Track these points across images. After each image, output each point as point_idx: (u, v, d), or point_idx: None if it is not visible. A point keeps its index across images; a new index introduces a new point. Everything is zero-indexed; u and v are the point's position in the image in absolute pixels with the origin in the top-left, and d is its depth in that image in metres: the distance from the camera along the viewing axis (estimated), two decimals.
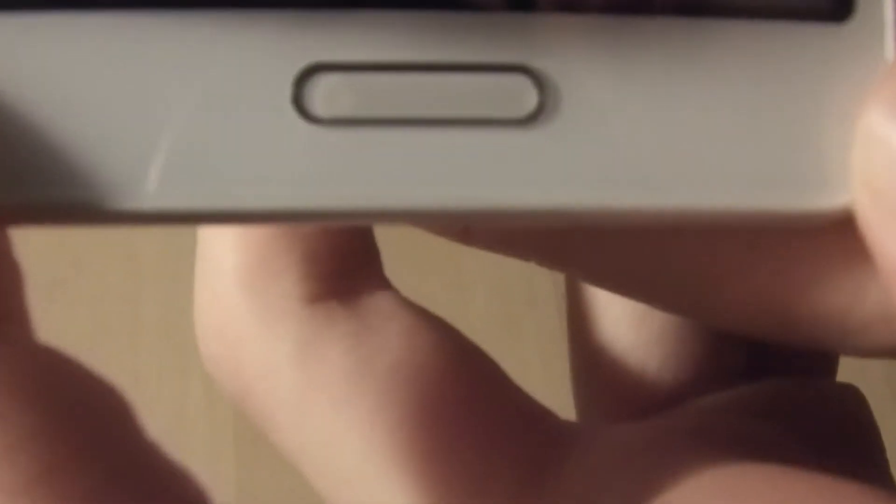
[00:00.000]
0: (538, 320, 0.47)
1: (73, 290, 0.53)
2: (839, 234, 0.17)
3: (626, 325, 0.23)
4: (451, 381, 0.20)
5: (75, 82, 0.16)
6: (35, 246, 0.39)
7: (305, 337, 0.20)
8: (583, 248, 0.19)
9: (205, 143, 0.16)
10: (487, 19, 0.17)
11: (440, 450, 0.19)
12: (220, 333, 0.20)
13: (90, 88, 0.16)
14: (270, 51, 0.16)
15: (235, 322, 0.20)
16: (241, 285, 0.20)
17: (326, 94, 0.16)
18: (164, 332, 0.50)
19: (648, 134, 0.17)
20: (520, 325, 0.47)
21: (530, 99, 0.16)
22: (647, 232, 0.18)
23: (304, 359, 0.19)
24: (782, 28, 0.17)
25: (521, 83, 0.17)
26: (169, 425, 0.48)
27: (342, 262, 0.20)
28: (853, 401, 0.22)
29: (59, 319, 0.49)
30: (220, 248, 0.20)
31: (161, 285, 0.54)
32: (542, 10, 0.17)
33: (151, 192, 0.16)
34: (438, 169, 0.16)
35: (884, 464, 0.22)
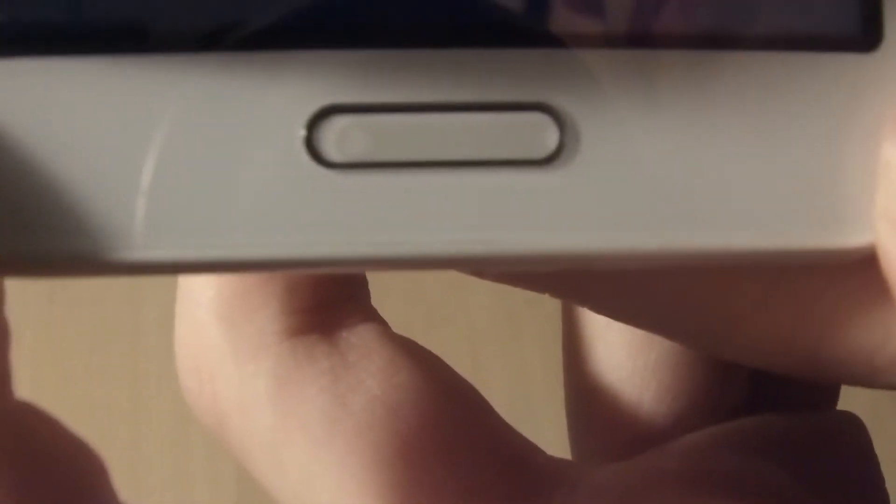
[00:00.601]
0: (538, 320, 0.47)
1: (74, 291, 0.53)
2: (867, 269, 0.16)
3: (623, 353, 0.23)
4: (428, 423, 0.19)
5: (69, 129, 0.15)
6: None
7: (282, 374, 0.19)
8: (599, 283, 0.18)
9: (213, 189, 0.16)
10: (504, 57, 0.16)
11: (416, 493, 0.19)
12: (196, 368, 0.20)
13: (88, 134, 0.15)
14: (281, 93, 0.16)
15: (212, 357, 0.19)
16: (218, 318, 0.19)
17: (340, 136, 0.16)
18: (165, 332, 0.50)
19: (670, 173, 0.16)
20: (520, 325, 0.47)
21: (550, 138, 0.16)
22: (667, 272, 0.17)
23: (281, 397, 0.19)
24: (809, 59, 0.16)
25: (541, 122, 0.16)
26: (169, 425, 0.48)
27: (325, 293, 0.19)
28: (853, 431, 0.22)
29: (59, 320, 0.49)
30: (201, 279, 0.19)
31: (161, 287, 0.54)
32: (561, 47, 0.16)
33: (157, 242, 0.15)
34: (456, 214, 0.16)
35: (883, 497, 0.21)
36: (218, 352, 0.19)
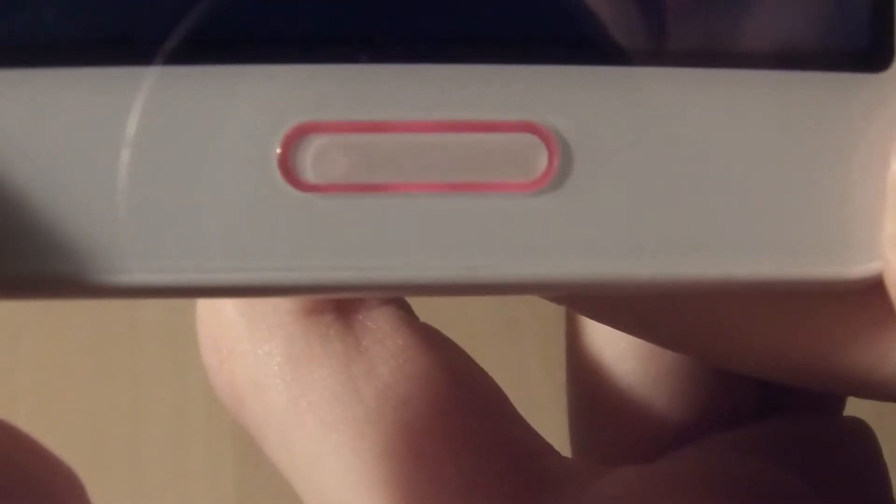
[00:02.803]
0: (538, 320, 0.46)
1: None
2: (864, 292, 0.16)
3: (632, 360, 0.22)
4: (437, 416, 0.19)
5: (49, 151, 0.15)
6: None
7: (295, 353, 0.19)
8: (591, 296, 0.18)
9: (188, 212, 0.15)
10: (492, 74, 0.15)
11: (421, 486, 0.19)
12: (215, 346, 0.20)
13: (64, 157, 0.15)
14: (255, 109, 0.15)
15: (229, 335, 0.19)
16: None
17: (316, 157, 0.15)
18: (165, 332, 0.50)
19: (667, 197, 0.15)
20: (520, 325, 0.47)
21: (540, 160, 0.15)
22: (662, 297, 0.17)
23: (293, 377, 0.19)
24: (817, 79, 0.15)
25: (530, 143, 0.15)
26: (169, 425, 0.48)
27: None
28: (862, 437, 0.22)
29: (59, 320, 0.49)
30: None
31: None
32: (552, 65, 0.15)
33: (132, 266, 0.15)
34: (439, 239, 0.15)
35: (891, 502, 0.21)
36: (235, 330, 0.19)
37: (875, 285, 0.15)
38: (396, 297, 0.20)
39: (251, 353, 0.19)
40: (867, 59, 0.15)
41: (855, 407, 0.22)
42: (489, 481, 0.19)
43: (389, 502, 0.19)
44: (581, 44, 0.15)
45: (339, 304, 0.20)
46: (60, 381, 0.48)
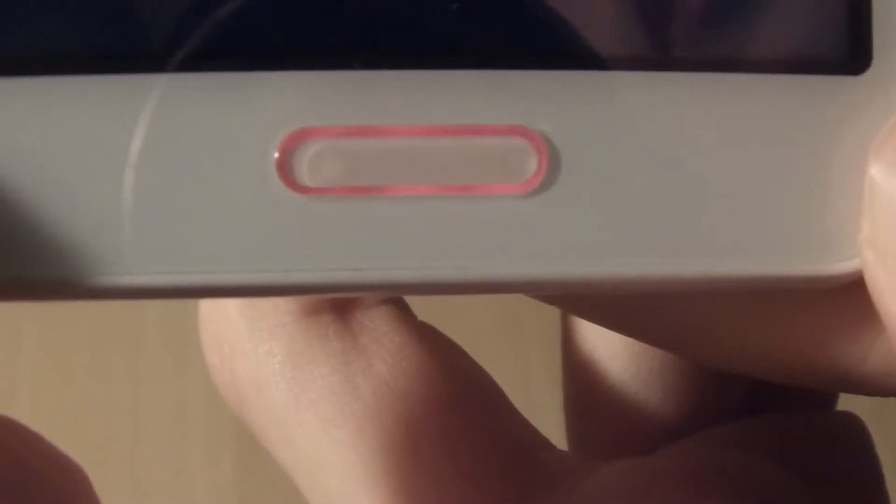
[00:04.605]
0: (538, 320, 0.47)
1: None
2: (844, 290, 0.16)
3: (625, 357, 0.22)
4: (433, 413, 0.19)
5: (49, 156, 0.15)
6: None
7: (296, 352, 0.19)
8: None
9: (184, 215, 0.15)
10: (483, 80, 0.16)
11: (418, 482, 0.19)
12: (218, 345, 0.20)
13: (61, 160, 0.15)
14: (254, 115, 0.15)
15: (231, 334, 0.20)
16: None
17: (313, 161, 0.15)
18: (165, 332, 0.50)
19: (653, 198, 0.16)
20: (520, 325, 0.47)
21: (530, 163, 0.16)
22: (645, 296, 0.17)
23: (293, 374, 0.19)
24: (797, 82, 0.16)
25: (520, 146, 0.16)
26: (169, 425, 0.48)
27: None
28: (854, 431, 0.22)
29: (59, 319, 0.49)
30: None
31: None
32: (541, 70, 0.16)
33: (133, 268, 0.15)
34: (433, 240, 0.16)
35: (883, 497, 0.21)
36: (236, 330, 0.20)
37: (855, 285, 0.16)
38: (393, 297, 0.20)
39: (252, 351, 0.20)
40: (845, 63, 0.16)
41: (852, 403, 0.23)
42: (486, 477, 0.19)
43: (388, 497, 0.19)
44: (566, 51, 0.16)
45: (337, 304, 0.20)
46: (60, 381, 0.48)
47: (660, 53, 0.16)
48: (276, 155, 0.15)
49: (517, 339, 0.47)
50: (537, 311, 0.49)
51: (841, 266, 0.16)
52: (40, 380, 0.48)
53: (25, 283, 0.15)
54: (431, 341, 0.20)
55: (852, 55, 0.16)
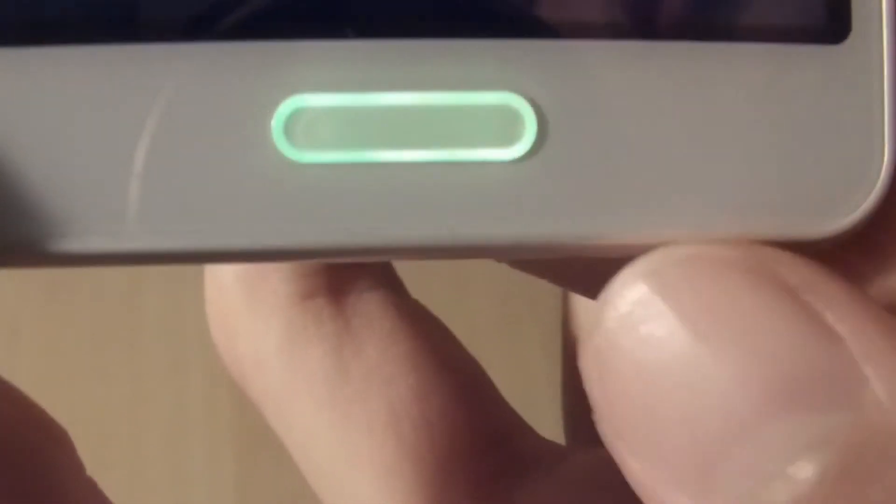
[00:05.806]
0: (538, 320, 0.47)
1: (73, 290, 0.53)
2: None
3: None
4: (416, 397, 0.20)
5: (45, 119, 0.15)
6: None
7: (291, 334, 0.20)
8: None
9: (184, 181, 0.16)
10: (472, 47, 0.16)
11: (401, 465, 0.20)
12: (222, 325, 0.21)
13: (59, 126, 0.15)
14: (249, 84, 0.16)
15: (233, 315, 0.21)
16: (238, 280, 0.21)
17: (307, 127, 0.16)
18: (164, 332, 0.50)
19: (641, 162, 0.16)
20: (520, 325, 0.47)
21: (518, 128, 0.16)
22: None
23: (289, 355, 0.20)
24: (777, 50, 0.16)
25: (510, 112, 0.16)
26: (169, 425, 0.48)
27: None
28: None
29: (59, 319, 0.49)
30: None
31: (161, 285, 0.54)
32: (529, 36, 0.16)
33: (129, 233, 0.16)
34: (424, 203, 0.16)
35: None
36: (238, 310, 0.21)
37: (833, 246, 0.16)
38: (389, 280, 0.21)
39: (252, 332, 0.20)
40: (824, 32, 0.16)
41: None
42: (462, 461, 0.20)
43: (372, 477, 0.20)
44: (554, 18, 0.16)
45: (333, 288, 0.21)
46: (60, 381, 0.48)
47: (644, 23, 0.16)
48: (273, 122, 0.16)
49: (517, 339, 0.47)
50: (537, 311, 0.49)
51: (825, 227, 0.16)
52: (40, 380, 0.48)
53: (29, 247, 0.15)
54: (421, 326, 0.21)
55: (832, 24, 0.16)
